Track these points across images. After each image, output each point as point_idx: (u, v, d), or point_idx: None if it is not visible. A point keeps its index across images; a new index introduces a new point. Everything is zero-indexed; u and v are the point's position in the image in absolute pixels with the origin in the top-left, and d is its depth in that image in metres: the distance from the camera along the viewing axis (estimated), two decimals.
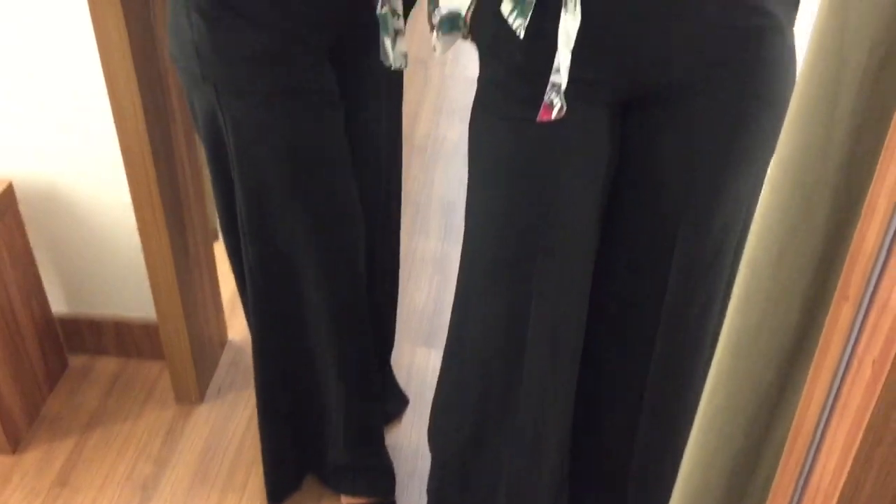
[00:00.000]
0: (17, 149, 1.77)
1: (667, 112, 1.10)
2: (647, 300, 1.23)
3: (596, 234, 1.21)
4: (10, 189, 1.76)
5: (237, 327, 2.14)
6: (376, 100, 1.50)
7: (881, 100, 0.77)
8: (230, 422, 1.91)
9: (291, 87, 1.30)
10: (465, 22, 1.16)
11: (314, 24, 1.28)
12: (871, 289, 0.71)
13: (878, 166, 0.67)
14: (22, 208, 1.80)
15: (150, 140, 1.59)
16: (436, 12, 1.18)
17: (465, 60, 3.33)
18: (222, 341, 2.09)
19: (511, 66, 1.11)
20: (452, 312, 1.34)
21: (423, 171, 2.76)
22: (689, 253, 1.17)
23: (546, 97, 1.04)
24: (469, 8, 1.14)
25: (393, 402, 1.94)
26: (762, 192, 0.88)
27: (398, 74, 1.51)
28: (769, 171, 0.91)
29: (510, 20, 1.06)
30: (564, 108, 1.03)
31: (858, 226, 0.71)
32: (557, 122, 1.04)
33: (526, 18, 1.04)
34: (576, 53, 1.01)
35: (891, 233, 0.68)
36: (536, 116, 1.04)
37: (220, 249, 2.03)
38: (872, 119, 0.81)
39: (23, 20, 1.62)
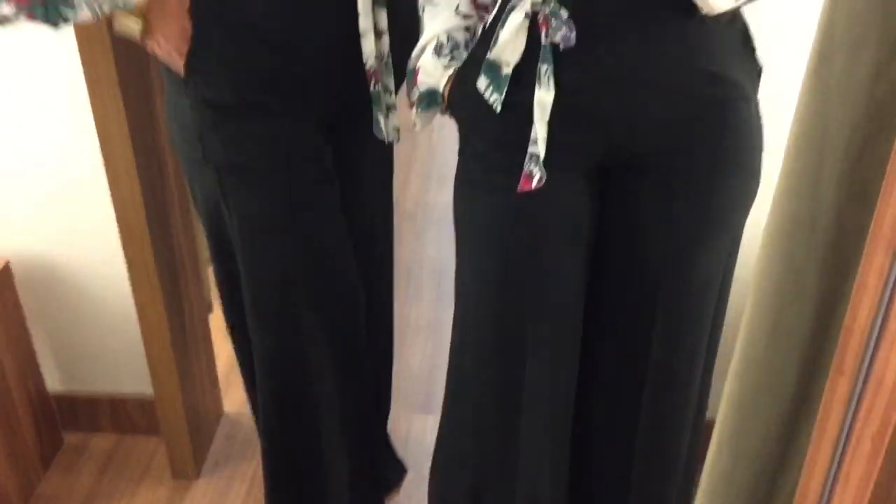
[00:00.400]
0: (14, 228, 1.78)
1: (643, 177, 1.14)
2: (633, 358, 1.26)
3: (582, 296, 1.24)
4: (6, 268, 1.77)
5: (232, 399, 2.13)
6: (370, 172, 1.54)
7: (863, 179, 0.81)
8: (228, 496, 1.90)
9: (291, 167, 1.32)
10: (442, 98, 1.20)
11: (312, 104, 1.31)
12: (866, 363, 0.73)
13: (867, 248, 0.70)
14: (18, 286, 1.81)
15: (147, 217, 1.61)
16: (414, 89, 1.22)
17: (453, 125, 3.37)
18: (218, 414, 2.09)
19: (490, 139, 1.15)
20: (447, 381, 1.36)
21: (415, 237, 2.79)
22: (672, 311, 1.20)
23: (525, 167, 1.07)
24: (446, 84, 1.18)
25: (392, 470, 1.93)
26: (756, 264, 0.91)
27: (390, 146, 1.55)
28: (762, 241, 0.94)
29: (486, 95, 1.10)
30: (544, 178, 1.07)
31: (850, 301, 0.74)
32: (538, 191, 1.08)
33: (501, 93, 1.08)
34: (552, 124, 1.05)
35: (882, 309, 0.71)
36: (517, 186, 1.08)
37: (214, 320, 2.04)
38: (856, 196, 0.85)
39: (21, 100, 1.65)
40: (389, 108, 1.32)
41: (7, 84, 1.63)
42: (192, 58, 1.23)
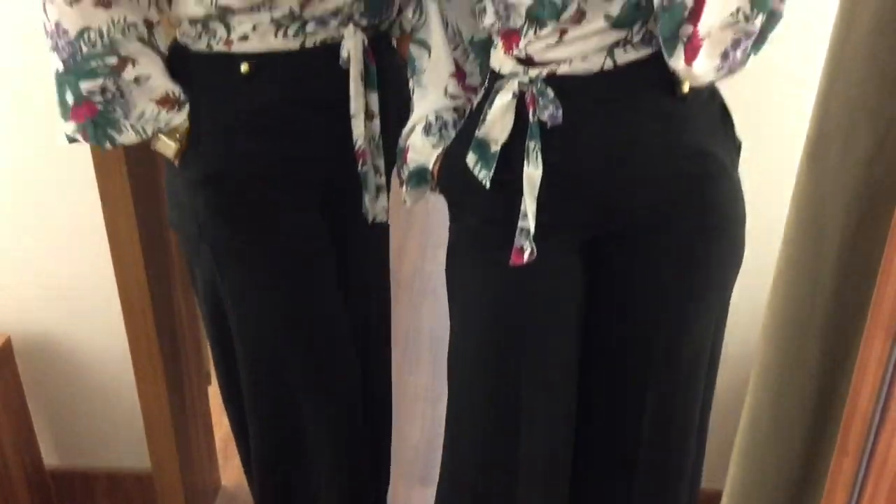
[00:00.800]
0: (16, 303, 1.79)
1: (630, 250, 1.16)
2: (627, 426, 1.27)
3: (575, 367, 1.25)
4: (7, 343, 1.77)
5: (230, 472, 2.11)
6: (365, 245, 1.55)
7: (861, 261, 0.83)
8: None
9: (287, 244, 1.35)
10: (432, 175, 1.23)
11: (306, 183, 1.34)
12: (869, 444, 0.74)
13: (866, 332, 0.71)
14: (19, 360, 1.81)
15: (150, 294, 1.62)
16: (404, 168, 1.25)
17: None
18: (216, 487, 2.07)
19: (480, 215, 1.18)
20: (443, 452, 1.36)
21: (411, 306, 2.80)
22: (663, 380, 1.22)
23: (516, 242, 1.10)
24: (436, 162, 1.22)
25: None
26: (760, 342, 0.93)
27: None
28: (764, 320, 0.95)
29: (475, 171, 1.13)
30: (535, 252, 1.09)
31: (852, 384, 0.75)
32: (529, 264, 1.10)
33: (490, 170, 1.11)
34: (541, 200, 1.08)
35: (883, 392, 0.72)
36: (508, 261, 1.11)
37: (213, 391, 2.03)
38: (855, 276, 0.87)
39: (24, 178, 1.67)
40: (379, 189, 1.35)
41: (12, 163, 1.66)
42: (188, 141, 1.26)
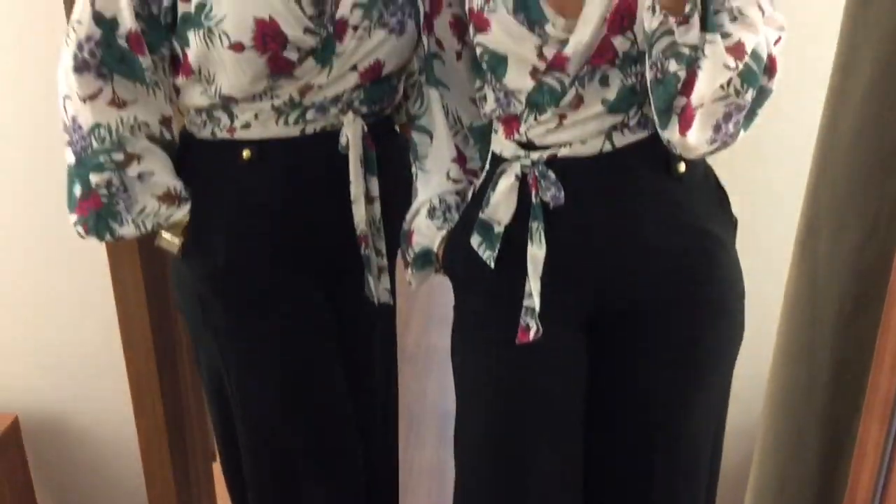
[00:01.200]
0: (24, 383, 1.80)
1: (632, 325, 1.17)
2: (633, 501, 1.25)
3: (580, 447, 1.25)
4: (15, 423, 1.78)
5: None
6: (370, 325, 1.56)
7: (854, 346, 0.85)
8: None
9: (289, 329, 1.35)
10: (437, 257, 1.25)
11: (309, 266, 1.35)
12: None
13: (863, 419, 0.73)
14: (25, 441, 1.81)
15: (158, 374, 1.64)
16: (409, 251, 1.28)
17: None
18: None
19: (485, 295, 1.20)
20: None
21: (416, 380, 2.80)
22: (667, 462, 1.21)
23: (522, 321, 1.12)
24: (440, 244, 1.24)
25: None
26: (760, 427, 0.94)
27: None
28: (764, 401, 0.96)
29: (480, 252, 1.16)
30: (541, 331, 1.11)
31: (851, 471, 0.76)
32: (534, 344, 1.12)
33: (494, 250, 1.14)
34: (544, 278, 1.10)
35: (882, 475, 0.73)
36: (514, 339, 1.12)
37: (217, 468, 2.02)
38: (851, 357, 0.88)
39: (35, 258, 1.70)
40: (381, 271, 1.36)
41: (24, 242, 1.69)
42: (191, 229, 1.29)
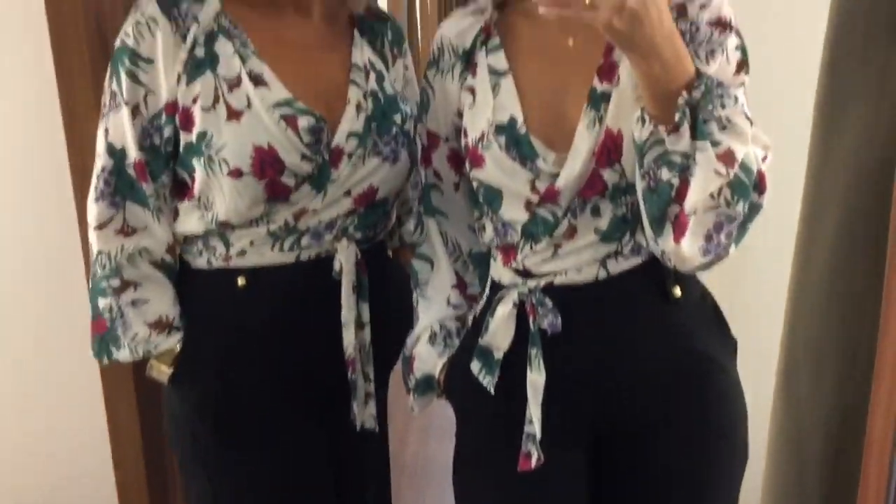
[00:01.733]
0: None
1: (633, 447, 1.18)
2: None
3: None
4: None
5: None
6: (364, 452, 1.54)
7: (842, 481, 0.86)
8: None
9: (280, 457, 1.34)
10: (438, 383, 1.27)
11: (300, 394, 1.35)
12: None
13: None
14: None
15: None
16: (410, 377, 1.30)
17: None
18: None
19: (486, 420, 1.21)
20: None
21: (414, 494, 2.76)
22: None
23: (523, 447, 1.13)
24: (441, 370, 1.26)
25: None
26: None
27: (384, 422, 1.57)
28: None
29: (480, 377, 1.17)
30: (542, 457, 1.12)
31: None
32: (537, 469, 1.12)
33: (494, 376, 1.16)
34: (545, 403, 1.12)
35: None
36: (515, 466, 1.12)
37: None
38: (840, 489, 0.89)
39: (27, 379, 1.72)
40: (368, 396, 1.37)
41: (16, 365, 1.71)
42: (181, 359, 1.31)
